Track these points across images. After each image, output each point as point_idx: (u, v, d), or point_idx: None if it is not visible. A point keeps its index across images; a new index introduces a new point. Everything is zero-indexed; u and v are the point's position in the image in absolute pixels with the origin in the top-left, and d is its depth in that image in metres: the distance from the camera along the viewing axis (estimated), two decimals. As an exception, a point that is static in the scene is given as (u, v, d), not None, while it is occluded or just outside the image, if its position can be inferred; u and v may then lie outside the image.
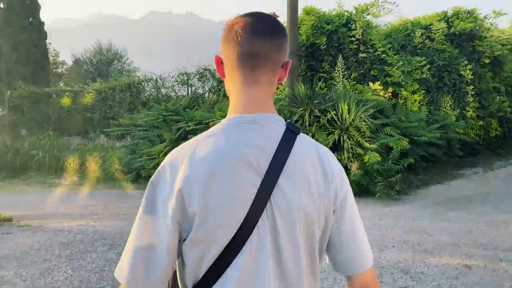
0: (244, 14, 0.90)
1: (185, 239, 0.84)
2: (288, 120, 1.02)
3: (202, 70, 11.03)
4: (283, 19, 8.65)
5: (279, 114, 7.49)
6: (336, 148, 7.24)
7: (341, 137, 7.14)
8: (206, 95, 11.13)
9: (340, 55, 8.01)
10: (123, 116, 12.59)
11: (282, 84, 9.38)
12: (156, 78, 12.29)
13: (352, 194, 0.97)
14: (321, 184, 0.89)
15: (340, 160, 7.10)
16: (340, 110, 7.15)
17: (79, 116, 15.06)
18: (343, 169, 0.97)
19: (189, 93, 11.39)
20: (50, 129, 14.85)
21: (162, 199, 0.84)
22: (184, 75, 11.41)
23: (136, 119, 11.05)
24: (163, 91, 12.17)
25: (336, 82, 7.87)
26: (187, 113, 10.01)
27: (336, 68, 7.91)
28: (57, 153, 13.95)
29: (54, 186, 11.13)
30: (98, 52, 21.20)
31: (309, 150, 0.91)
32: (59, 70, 22.97)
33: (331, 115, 7.13)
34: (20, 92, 14.71)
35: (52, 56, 23.14)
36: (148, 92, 12.66)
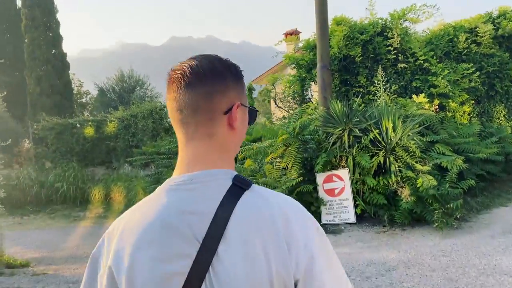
0: (185, 61, 0.82)
1: None
2: (237, 173, 0.77)
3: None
4: (312, 31, 7.96)
5: (313, 135, 7.19)
6: (381, 171, 6.38)
7: (387, 159, 6.27)
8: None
9: (380, 67, 7.20)
10: (146, 144, 12.12)
11: (312, 103, 8.65)
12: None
13: (325, 248, 0.76)
14: (273, 250, 0.70)
15: (387, 186, 6.22)
16: (384, 128, 6.30)
17: (102, 145, 14.76)
18: (310, 225, 0.76)
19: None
20: (74, 160, 14.58)
21: (100, 275, 0.78)
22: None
23: (159, 146, 10.53)
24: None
25: (377, 96, 7.04)
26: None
27: (376, 81, 7.09)
28: (81, 185, 13.66)
29: (79, 219, 10.87)
30: (120, 80, 21.13)
31: (260, 207, 0.74)
32: (83, 100, 23.09)
33: (374, 135, 6.29)
34: (44, 124, 14.56)
35: (77, 86, 23.35)
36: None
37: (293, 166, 6.36)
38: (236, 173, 0.78)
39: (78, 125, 14.78)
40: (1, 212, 6.76)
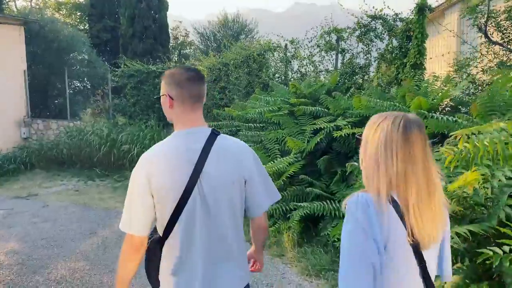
0: (179, 68, 1.61)
1: (154, 200, 1.50)
2: (213, 127, 1.65)
3: (367, 20, 5.84)
4: None
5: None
6: None
7: None
8: (373, 66, 5.94)
9: None
10: (235, 103, 8.33)
11: None
12: (286, 44, 7.59)
13: (261, 168, 1.64)
14: (234, 164, 1.54)
15: None
16: None
17: (188, 102, 11.46)
18: (253, 153, 1.63)
19: (340, 65, 6.40)
20: (154, 118, 11.64)
21: (139, 178, 1.51)
22: (333, 32, 6.42)
23: (248, 110, 6.61)
24: (295, 64, 7.42)
25: None
26: (336, 101, 5.07)
27: None
28: (157, 150, 10.63)
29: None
30: (223, 24, 17.77)
31: (226, 143, 1.57)
32: (187, 51, 20.45)
33: None
34: (124, 70, 11.83)
35: (182, 36, 20.76)
36: (273, 68, 8.07)
37: None
38: (211, 127, 1.60)
39: (161, 73, 11.67)
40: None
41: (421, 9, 5.02)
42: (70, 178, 10.61)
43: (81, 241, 5.41)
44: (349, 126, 4.38)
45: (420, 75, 5.05)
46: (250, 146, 7.14)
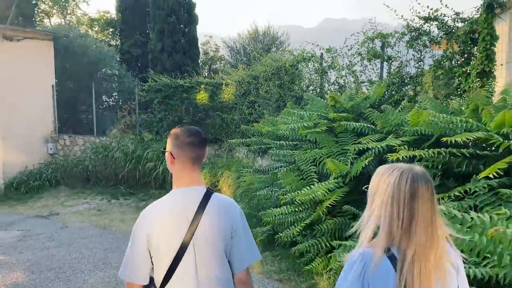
0: (183, 131, 1.71)
1: (152, 256, 1.63)
2: (208, 187, 1.78)
3: (419, 22, 5.01)
4: None
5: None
6: None
7: None
8: (425, 76, 5.07)
9: None
10: (265, 118, 7.65)
11: None
12: (322, 54, 6.86)
13: (245, 224, 1.76)
14: (225, 220, 1.67)
15: None
16: None
17: (216, 117, 10.97)
18: (240, 211, 1.76)
19: (386, 74, 5.59)
20: (180, 133, 11.11)
21: (140, 238, 1.63)
22: (377, 38, 5.64)
23: (278, 125, 5.90)
24: (332, 75, 6.67)
25: None
26: (385, 115, 4.29)
27: None
28: (183, 167, 10.09)
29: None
30: (253, 37, 17.26)
31: (218, 202, 1.70)
32: (217, 66, 20.09)
33: None
34: (151, 84, 11.46)
35: (212, 51, 20.47)
36: (307, 80, 7.34)
37: None
38: (207, 187, 1.74)
39: (189, 88, 11.23)
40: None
41: (490, 6, 4.17)
42: (94, 196, 10.23)
43: (91, 274, 4.81)
44: (405, 146, 3.57)
45: (490, 84, 4.18)
46: (281, 166, 6.42)
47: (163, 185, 10.02)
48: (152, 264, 1.63)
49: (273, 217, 4.62)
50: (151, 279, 1.67)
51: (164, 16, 14.48)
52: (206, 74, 17.75)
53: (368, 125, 4.56)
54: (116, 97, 14.69)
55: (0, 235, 6.81)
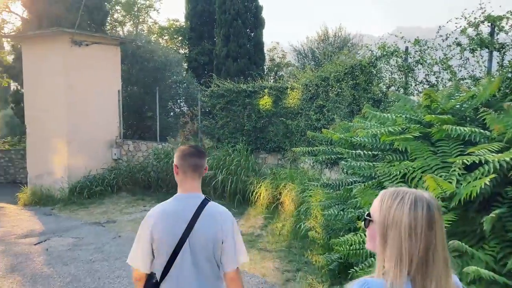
0: (185, 146, 2.10)
1: (153, 249, 1.94)
2: (206, 196, 2.07)
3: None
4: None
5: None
6: None
7: None
8: None
9: None
10: (335, 124, 6.63)
11: None
12: (407, 48, 5.70)
13: (236, 231, 2.00)
14: (216, 227, 1.93)
15: None
16: None
17: (280, 124, 10.16)
18: (233, 220, 2.01)
19: (496, 67, 4.32)
20: (242, 141, 10.49)
21: (145, 234, 1.93)
22: (485, 21, 4.40)
23: (353, 132, 4.88)
24: (421, 72, 5.47)
25: None
26: (506, 117, 3.07)
27: None
28: (244, 177, 9.42)
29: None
30: (323, 39, 16.20)
31: (213, 210, 1.97)
32: (283, 73, 19.34)
33: None
34: (214, 89, 10.97)
35: (279, 57, 19.80)
36: (388, 80, 6.20)
37: None
38: (204, 195, 2.03)
39: (252, 93, 10.54)
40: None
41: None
42: (153, 203, 9.89)
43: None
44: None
45: None
46: (357, 181, 5.35)
47: (222, 194, 9.42)
48: (153, 257, 1.94)
49: (347, 247, 3.60)
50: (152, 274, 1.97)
51: (230, 20, 14.06)
52: (273, 81, 17.06)
53: (480, 131, 3.38)
54: (182, 104, 14.51)
55: (53, 243, 6.56)
